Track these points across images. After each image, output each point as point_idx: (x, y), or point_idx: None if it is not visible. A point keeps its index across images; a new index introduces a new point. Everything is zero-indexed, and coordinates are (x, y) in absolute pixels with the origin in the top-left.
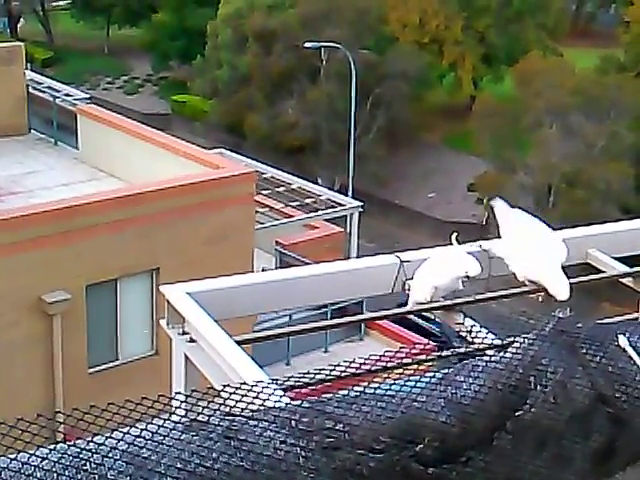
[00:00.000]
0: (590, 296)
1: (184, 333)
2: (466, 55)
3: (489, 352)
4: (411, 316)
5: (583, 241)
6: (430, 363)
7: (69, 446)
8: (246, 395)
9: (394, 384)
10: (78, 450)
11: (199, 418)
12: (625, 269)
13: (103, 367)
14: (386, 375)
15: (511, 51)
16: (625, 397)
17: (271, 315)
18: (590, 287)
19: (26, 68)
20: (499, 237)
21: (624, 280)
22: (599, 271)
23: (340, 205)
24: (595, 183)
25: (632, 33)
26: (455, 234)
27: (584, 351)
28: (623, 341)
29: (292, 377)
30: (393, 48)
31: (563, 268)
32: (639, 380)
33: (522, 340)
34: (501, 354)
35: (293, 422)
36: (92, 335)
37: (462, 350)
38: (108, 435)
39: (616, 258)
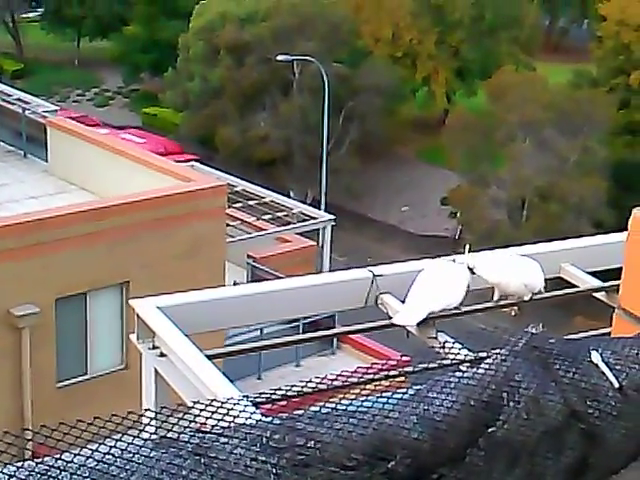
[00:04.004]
0: (563, 310)
1: (154, 347)
2: (439, 69)
3: (462, 367)
4: None
5: (556, 255)
6: (402, 379)
7: (37, 463)
8: (217, 412)
9: (366, 400)
10: (46, 467)
11: (169, 435)
12: (598, 283)
13: (72, 381)
14: (358, 391)
15: (484, 65)
16: (597, 413)
17: (242, 329)
18: (563, 301)
19: None
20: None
21: (597, 294)
22: (572, 285)
23: (312, 218)
24: (568, 197)
25: (604, 48)
26: (468, 245)
27: (557, 367)
28: (596, 357)
29: (264, 393)
30: (366, 62)
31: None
32: (611, 396)
33: (495, 356)
34: (474, 370)
35: (264, 439)
36: (61, 349)
37: (434, 365)
38: (76, 452)
39: (589, 272)
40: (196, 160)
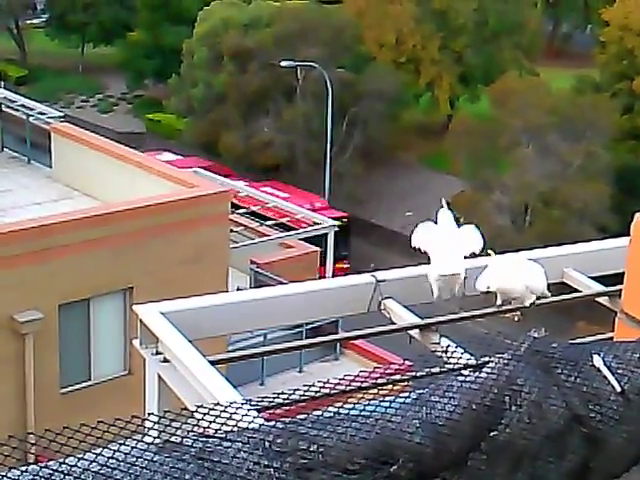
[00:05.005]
0: (566, 315)
1: (157, 353)
2: (443, 75)
3: (464, 372)
4: None
5: (559, 260)
6: (405, 383)
7: (41, 467)
8: (220, 416)
9: (369, 405)
10: (50, 472)
11: (172, 439)
12: (601, 288)
13: (75, 387)
14: (361, 395)
15: (488, 71)
16: (600, 417)
17: (245, 335)
18: (566, 306)
19: None
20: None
21: (600, 299)
22: (575, 290)
23: (316, 224)
24: (571, 202)
25: (608, 53)
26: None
27: (559, 371)
28: (598, 361)
29: (266, 397)
30: (369, 67)
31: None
32: (613, 400)
33: (497, 360)
34: (476, 374)
35: (267, 443)
36: (65, 355)
37: (437, 370)
38: (81, 456)
39: (592, 277)
40: (344, 218)
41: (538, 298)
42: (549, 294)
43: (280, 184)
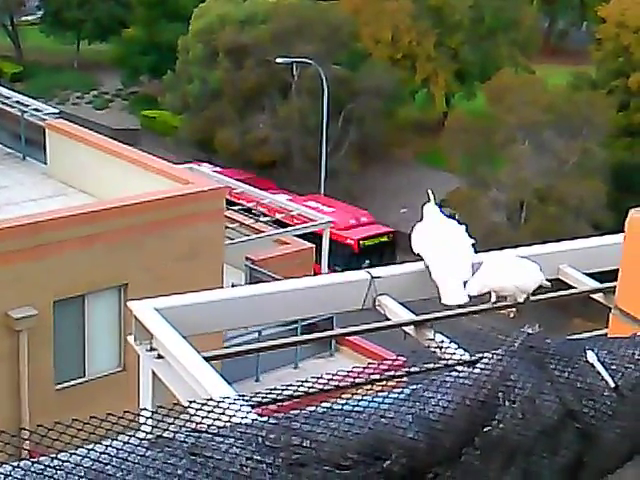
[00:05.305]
0: (561, 312)
1: (152, 349)
2: (439, 71)
3: (458, 368)
4: None
5: (554, 257)
6: (399, 379)
7: (33, 463)
8: (212, 411)
9: (362, 400)
10: (42, 467)
11: (165, 434)
12: (596, 285)
13: (70, 383)
14: (354, 391)
15: (484, 68)
16: (593, 412)
17: (240, 331)
18: (561, 303)
19: None
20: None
21: (595, 296)
22: (570, 287)
23: (311, 220)
24: (567, 199)
25: (604, 50)
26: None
27: (553, 367)
28: (591, 356)
29: (259, 393)
30: (365, 64)
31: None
32: (607, 395)
33: (491, 355)
34: (470, 370)
35: (260, 438)
36: (59, 351)
37: (431, 366)
38: (72, 452)
39: (587, 274)
40: (390, 234)
41: (535, 293)
42: (549, 284)
43: (325, 198)
